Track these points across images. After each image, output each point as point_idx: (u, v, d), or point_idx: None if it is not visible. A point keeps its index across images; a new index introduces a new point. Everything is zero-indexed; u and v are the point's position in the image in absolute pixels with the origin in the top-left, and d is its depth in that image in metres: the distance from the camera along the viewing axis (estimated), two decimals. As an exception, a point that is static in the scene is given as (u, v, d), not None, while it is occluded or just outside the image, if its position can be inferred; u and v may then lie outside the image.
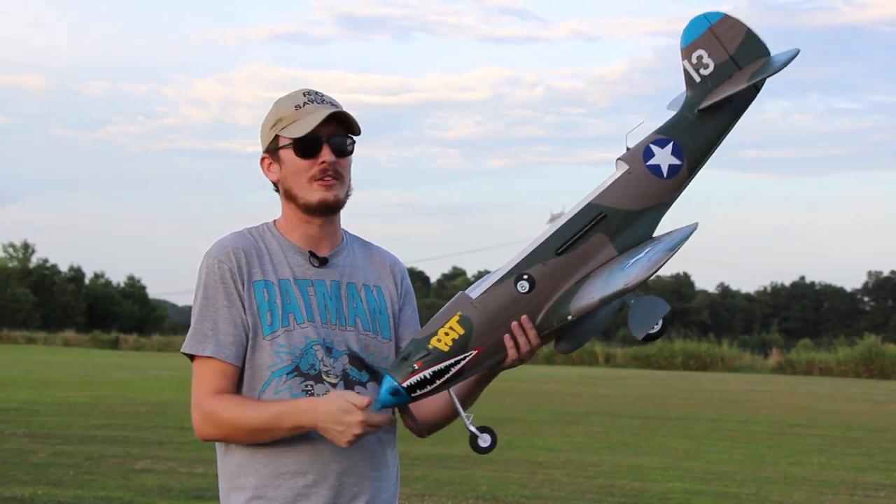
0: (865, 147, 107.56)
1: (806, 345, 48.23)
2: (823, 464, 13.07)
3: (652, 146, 2.98)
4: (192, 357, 2.88)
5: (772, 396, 24.95)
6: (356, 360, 2.89)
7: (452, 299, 2.87)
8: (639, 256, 2.83)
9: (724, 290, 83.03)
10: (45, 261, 74.16)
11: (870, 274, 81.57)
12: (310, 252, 2.94)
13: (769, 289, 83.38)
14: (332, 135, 2.88)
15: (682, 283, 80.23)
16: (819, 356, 41.18)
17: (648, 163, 2.97)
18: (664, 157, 2.97)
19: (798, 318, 78.18)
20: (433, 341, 2.80)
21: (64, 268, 74.64)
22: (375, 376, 2.92)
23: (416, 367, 2.78)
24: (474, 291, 2.88)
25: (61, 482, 10.06)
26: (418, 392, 2.79)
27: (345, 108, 2.94)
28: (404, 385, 2.77)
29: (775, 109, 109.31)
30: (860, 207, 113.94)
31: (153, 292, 78.93)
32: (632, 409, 19.82)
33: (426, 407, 2.97)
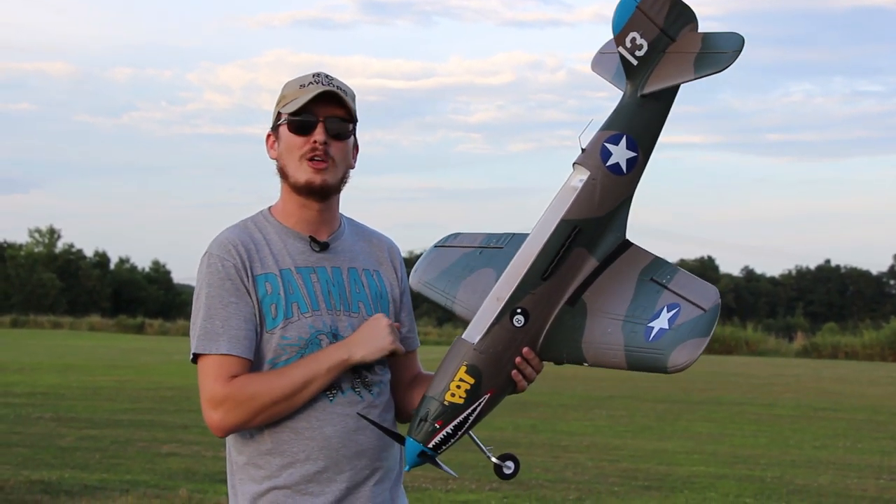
0: (891, 129, 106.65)
1: (831, 328, 47.95)
2: (849, 447, 13.02)
3: (607, 145, 2.94)
4: (195, 359, 2.82)
5: (797, 380, 24.84)
6: None
7: (453, 348, 2.89)
8: (661, 322, 2.80)
9: (749, 274, 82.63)
10: (71, 246, 74.53)
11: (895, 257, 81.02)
12: (310, 237, 2.92)
13: (794, 272, 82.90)
14: (330, 116, 2.87)
15: (707, 267, 79.92)
16: (844, 340, 40.90)
17: (608, 164, 2.93)
18: (621, 154, 2.94)
19: (823, 302, 77.74)
20: (448, 397, 2.83)
21: (89, 253, 74.99)
22: (379, 362, 2.92)
23: (438, 427, 2.83)
24: (472, 335, 2.89)
25: (87, 466, 10.14)
26: (443, 447, 2.85)
27: (352, 94, 2.93)
28: (430, 446, 2.83)
29: (799, 92, 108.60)
30: (886, 190, 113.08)
31: (178, 277, 79.08)
32: (656, 393, 19.78)
33: (413, 401, 2.98)
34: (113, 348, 33.62)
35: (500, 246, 3.21)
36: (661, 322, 2.80)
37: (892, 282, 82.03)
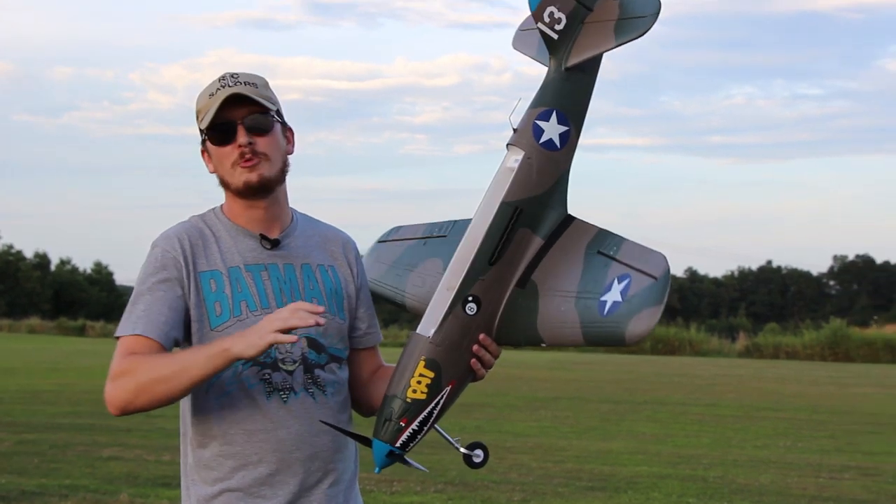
0: (830, 132, 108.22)
1: (773, 329, 48.48)
2: (789, 447, 13.17)
3: (538, 122, 2.93)
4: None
5: (739, 380, 25.11)
6: (314, 343, 2.86)
7: (409, 343, 2.87)
8: (613, 295, 2.79)
9: (692, 275, 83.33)
10: (10, 247, 73.45)
11: (835, 258, 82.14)
12: (260, 235, 2.88)
13: (736, 273, 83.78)
14: (246, 115, 2.82)
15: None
16: (785, 340, 41.46)
17: (541, 141, 2.93)
18: (553, 130, 2.94)
19: (765, 303, 78.62)
20: (410, 394, 2.81)
21: (29, 254, 73.98)
22: (334, 358, 2.89)
23: (403, 425, 2.81)
24: (427, 328, 2.87)
25: (26, 471, 9.98)
26: (411, 445, 2.83)
27: (263, 82, 2.88)
28: (398, 445, 2.80)
29: (741, 95, 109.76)
30: (825, 192, 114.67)
31: (120, 278, 78.28)
32: (600, 394, 19.89)
33: (375, 395, 2.96)
34: (53, 351, 33.19)
35: (444, 234, 3.20)
36: (614, 295, 2.79)
37: (831, 283, 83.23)
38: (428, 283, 3.08)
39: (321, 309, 2.67)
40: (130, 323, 2.77)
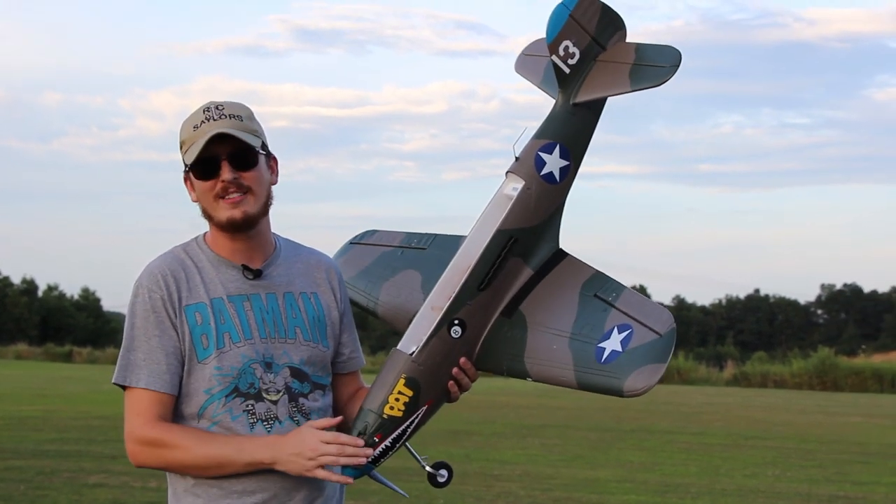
0: (817, 162, 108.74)
1: (760, 357, 48.50)
2: (778, 476, 13.16)
3: (541, 154, 2.94)
4: (123, 387, 2.82)
5: (727, 409, 25.08)
6: (298, 372, 2.86)
7: (390, 360, 2.87)
8: (613, 343, 2.78)
9: (680, 303, 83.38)
10: (-2, 273, 73.14)
11: (823, 287, 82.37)
12: (243, 266, 2.88)
13: (724, 301, 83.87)
14: (231, 150, 2.81)
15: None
16: (773, 368, 41.44)
17: (542, 173, 2.93)
18: (554, 163, 2.95)
19: (753, 331, 78.67)
20: (386, 410, 2.81)
21: (17, 280, 73.69)
22: (317, 386, 2.90)
23: (377, 441, 2.80)
24: (409, 346, 2.87)
25: (12, 497, 9.91)
26: (381, 460, 2.83)
27: (247, 114, 2.87)
28: (368, 459, 2.79)
29: (729, 123, 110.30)
30: (813, 221, 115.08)
31: (108, 304, 77.95)
32: (588, 422, 19.85)
33: (350, 415, 2.96)
34: (40, 377, 32.99)
35: (423, 247, 3.19)
36: (613, 343, 2.78)
37: (819, 311, 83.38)
38: (403, 294, 3.07)
39: (361, 443, 2.76)
40: (132, 373, 2.80)
